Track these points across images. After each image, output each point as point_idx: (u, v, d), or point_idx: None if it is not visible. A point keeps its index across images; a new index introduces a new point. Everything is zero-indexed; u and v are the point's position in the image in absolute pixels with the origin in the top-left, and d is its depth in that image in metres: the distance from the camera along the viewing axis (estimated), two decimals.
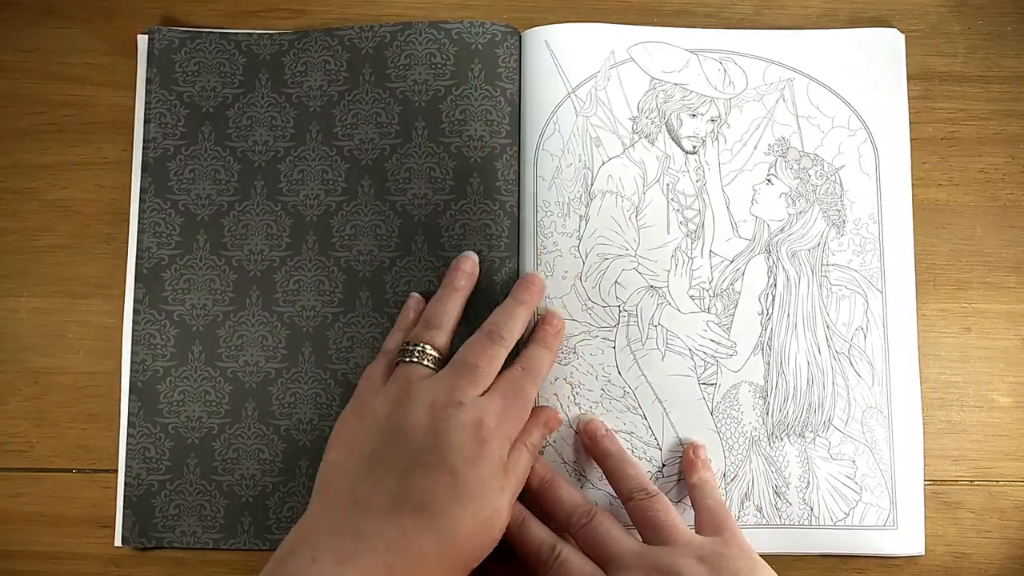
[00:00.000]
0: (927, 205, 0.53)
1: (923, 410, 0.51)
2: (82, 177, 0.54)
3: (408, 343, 0.47)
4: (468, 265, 0.50)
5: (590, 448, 0.50)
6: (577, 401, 0.51)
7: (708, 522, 0.47)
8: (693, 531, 0.46)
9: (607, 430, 0.50)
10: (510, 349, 0.47)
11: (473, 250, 0.51)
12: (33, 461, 0.53)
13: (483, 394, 0.45)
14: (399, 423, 0.44)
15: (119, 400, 0.52)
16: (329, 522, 0.41)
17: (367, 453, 0.43)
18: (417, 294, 0.51)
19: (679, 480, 0.51)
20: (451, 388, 0.44)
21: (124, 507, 0.51)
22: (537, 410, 0.48)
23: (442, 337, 0.47)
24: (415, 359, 0.46)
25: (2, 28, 0.55)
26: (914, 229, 0.53)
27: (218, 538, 0.51)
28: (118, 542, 0.51)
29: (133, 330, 0.52)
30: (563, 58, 0.53)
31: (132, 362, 0.52)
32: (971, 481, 0.52)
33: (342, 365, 0.51)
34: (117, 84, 0.55)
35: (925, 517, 0.50)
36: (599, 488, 0.50)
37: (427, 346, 0.47)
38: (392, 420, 0.44)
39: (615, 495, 0.49)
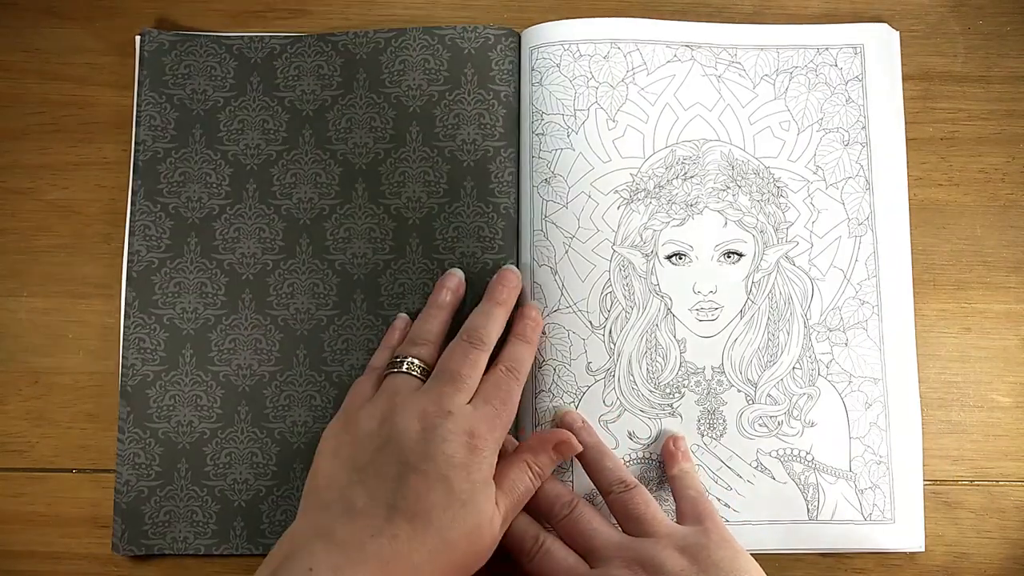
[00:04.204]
0: (926, 205, 0.53)
1: (923, 410, 0.51)
2: (82, 177, 0.54)
3: (396, 357, 0.47)
4: (452, 282, 0.50)
5: None
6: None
7: (689, 512, 0.47)
8: (674, 522, 0.46)
9: (584, 422, 0.50)
10: (490, 351, 0.47)
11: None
12: (33, 461, 0.52)
13: (470, 401, 0.45)
14: (391, 433, 0.43)
15: (118, 400, 0.52)
16: (323, 532, 0.41)
17: (359, 463, 0.43)
18: (404, 314, 0.51)
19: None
20: (439, 398, 0.44)
21: (114, 514, 0.50)
22: (551, 433, 0.47)
23: (428, 350, 0.47)
24: (402, 370, 0.46)
25: (2, 28, 0.55)
26: (913, 229, 0.52)
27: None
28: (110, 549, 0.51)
29: (123, 334, 0.52)
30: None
31: (122, 367, 0.51)
32: (971, 481, 0.52)
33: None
34: (117, 84, 0.55)
35: (925, 516, 0.50)
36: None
37: (413, 359, 0.47)
38: (384, 430, 0.44)
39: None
